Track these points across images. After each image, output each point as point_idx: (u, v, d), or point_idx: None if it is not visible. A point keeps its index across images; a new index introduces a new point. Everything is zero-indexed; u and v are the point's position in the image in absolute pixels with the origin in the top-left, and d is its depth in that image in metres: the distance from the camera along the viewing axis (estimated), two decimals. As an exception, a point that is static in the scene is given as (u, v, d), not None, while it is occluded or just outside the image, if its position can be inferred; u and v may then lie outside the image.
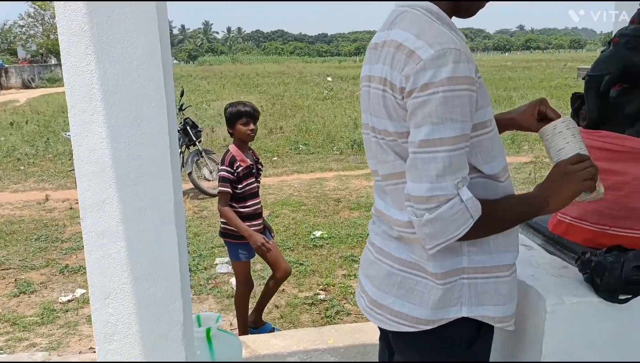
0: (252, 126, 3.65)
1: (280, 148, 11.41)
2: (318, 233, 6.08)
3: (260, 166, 3.86)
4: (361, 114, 1.50)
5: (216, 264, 5.28)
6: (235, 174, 3.58)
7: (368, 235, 1.60)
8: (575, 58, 45.84)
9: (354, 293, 4.51)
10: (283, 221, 6.59)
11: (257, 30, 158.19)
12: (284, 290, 4.62)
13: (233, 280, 4.75)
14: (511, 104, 15.88)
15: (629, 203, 1.79)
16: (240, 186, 3.60)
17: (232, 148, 3.66)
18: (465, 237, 1.26)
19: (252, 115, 3.65)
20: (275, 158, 10.61)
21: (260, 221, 3.76)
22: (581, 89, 2.06)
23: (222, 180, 3.59)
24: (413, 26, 1.30)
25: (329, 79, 29.36)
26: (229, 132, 3.72)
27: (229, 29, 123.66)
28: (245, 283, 3.83)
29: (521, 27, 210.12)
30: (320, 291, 4.67)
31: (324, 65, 50.66)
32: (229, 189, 3.58)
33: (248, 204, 3.67)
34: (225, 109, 3.70)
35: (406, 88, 1.23)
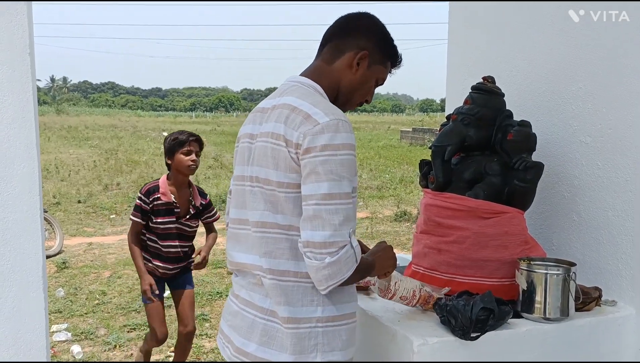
0: (193, 157, 3.31)
1: (118, 205, 10.91)
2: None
3: (199, 208, 3.47)
4: (235, 167, 1.68)
5: (53, 332, 4.88)
6: (151, 206, 3.30)
7: (218, 292, 1.75)
8: (397, 121, 50.26)
9: (207, 352, 4.46)
10: (127, 282, 6.30)
11: (84, 81, 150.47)
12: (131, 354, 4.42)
13: (75, 347, 4.44)
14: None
15: (470, 254, 2.10)
16: (155, 220, 3.33)
17: (162, 179, 3.38)
18: (346, 282, 1.47)
19: (198, 144, 3.34)
20: (114, 216, 10.12)
21: (174, 266, 3.45)
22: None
23: (134, 208, 3.36)
24: (307, 97, 1.51)
25: (165, 134, 28.81)
26: (167, 163, 3.40)
27: (52, 78, 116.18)
28: (151, 332, 3.52)
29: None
30: (171, 353, 4.54)
31: (158, 120, 49.62)
32: (139, 220, 3.32)
33: (162, 244, 3.39)
34: (166, 138, 3.43)
35: (303, 145, 1.42)
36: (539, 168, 2.14)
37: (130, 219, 3.37)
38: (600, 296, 2.12)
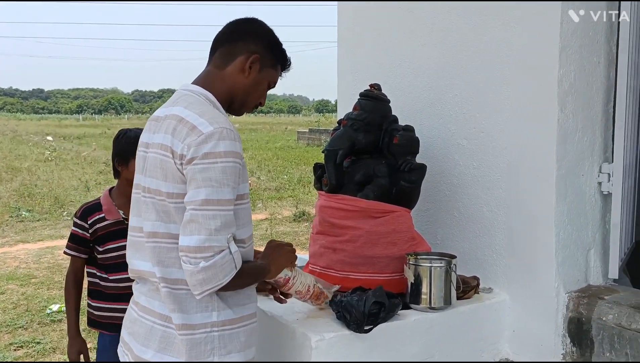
0: None
1: (-2, 216, 10.17)
2: (55, 307, 5.61)
3: None
4: (135, 174, 1.70)
5: None
6: (92, 231, 2.47)
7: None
8: (294, 122, 50.65)
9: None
10: (11, 298, 5.92)
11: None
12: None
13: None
14: (242, 164, 16.82)
15: (363, 252, 2.23)
16: (102, 248, 2.47)
17: (103, 194, 2.56)
18: (226, 287, 1.51)
19: None
20: (-6, 228, 9.43)
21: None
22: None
23: (69, 239, 2.53)
24: (195, 107, 1.56)
25: (50, 138, 27.17)
26: (115, 169, 2.55)
27: None
28: None
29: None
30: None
31: (41, 123, 46.73)
32: (78, 254, 2.50)
33: (113, 277, 2.48)
34: (119, 135, 2.55)
35: (187, 156, 1.47)
36: (422, 169, 2.31)
37: (65, 253, 2.54)
38: (478, 284, 2.33)
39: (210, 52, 1.70)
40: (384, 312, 1.97)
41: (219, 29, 1.71)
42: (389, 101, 2.46)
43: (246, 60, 1.63)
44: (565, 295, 2.18)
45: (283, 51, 1.72)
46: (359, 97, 2.45)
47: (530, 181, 2.21)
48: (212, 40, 1.69)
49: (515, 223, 2.28)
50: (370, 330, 1.94)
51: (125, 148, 2.46)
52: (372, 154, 2.42)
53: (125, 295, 2.27)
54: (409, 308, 2.14)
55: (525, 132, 2.21)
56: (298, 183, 13.90)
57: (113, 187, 2.60)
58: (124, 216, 2.48)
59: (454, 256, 2.20)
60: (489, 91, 2.33)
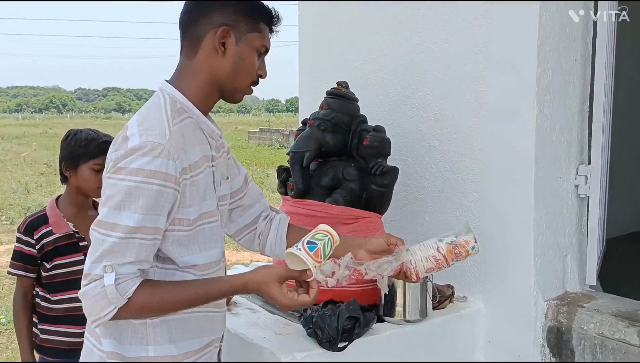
0: None
1: None
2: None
3: None
4: None
5: None
6: (39, 246, 2.15)
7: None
8: (244, 122, 50.08)
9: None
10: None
11: None
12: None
13: None
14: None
15: (333, 261, 2.08)
16: (50, 265, 2.15)
17: (50, 205, 2.22)
18: (119, 318, 1.26)
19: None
20: None
21: (82, 330, 1.77)
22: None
23: (12, 257, 2.20)
24: (143, 112, 1.35)
25: (-1, 139, 25.90)
26: (62, 174, 2.23)
27: None
28: None
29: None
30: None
31: (-23, 122, 44.52)
32: (24, 273, 2.17)
33: (56, 298, 2.16)
34: (68, 137, 2.22)
35: (107, 169, 1.29)
36: (394, 172, 2.18)
37: (10, 274, 2.21)
38: (453, 293, 2.21)
39: (180, 40, 1.44)
40: (358, 327, 1.83)
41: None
42: (357, 100, 2.32)
43: (214, 37, 1.35)
44: (544, 303, 2.10)
45: (260, 6, 1.42)
46: (325, 95, 2.31)
47: (507, 184, 2.11)
48: (179, 26, 1.44)
49: (491, 227, 2.18)
50: (344, 347, 1.79)
51: (74, 151, 2.16)
52: (340, 157, 2.28)
53: (73, 317, 2.11)
54: (382, 321, 2.01)
55: (501, 133, 2.11)
56: (250, 184, 13.61)
57: (60, 195, 2.28)
58: (74, 229, 2.18)
59: (429, 265, 2.07)
60: (463, 89, 2.22)
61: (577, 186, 2.17)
